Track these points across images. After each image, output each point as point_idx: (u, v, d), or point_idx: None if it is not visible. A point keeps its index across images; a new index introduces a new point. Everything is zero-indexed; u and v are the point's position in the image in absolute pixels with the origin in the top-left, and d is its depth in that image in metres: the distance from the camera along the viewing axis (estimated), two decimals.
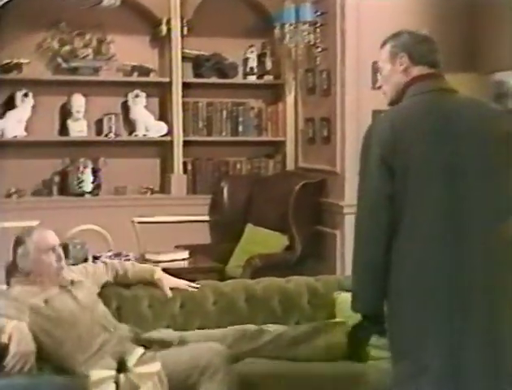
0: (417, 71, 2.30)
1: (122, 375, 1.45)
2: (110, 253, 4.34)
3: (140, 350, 1.62)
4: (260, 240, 4.88)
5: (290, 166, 5.43)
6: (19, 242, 2.98)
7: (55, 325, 2.78)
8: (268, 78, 5.47)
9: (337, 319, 3.29)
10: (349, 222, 4.61)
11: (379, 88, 2.42)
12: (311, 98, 5.14)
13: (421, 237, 2.17)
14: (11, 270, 3.00)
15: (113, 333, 2.84)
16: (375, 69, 4.60)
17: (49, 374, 2.47)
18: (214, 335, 2.97)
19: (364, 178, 2.22)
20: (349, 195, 4.62)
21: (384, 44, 2.38)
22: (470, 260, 2.16)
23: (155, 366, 1.51)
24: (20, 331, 2.60)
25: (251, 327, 3.07)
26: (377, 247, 2.17)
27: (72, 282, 2.97)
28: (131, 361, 1.52)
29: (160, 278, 3.22)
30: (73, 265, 3.34)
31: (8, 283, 3.01)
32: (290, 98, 5.39)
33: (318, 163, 5.01)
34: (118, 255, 4.31)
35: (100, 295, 3.09)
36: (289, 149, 5.43)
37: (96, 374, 1.46)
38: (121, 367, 1.47)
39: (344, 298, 3.32)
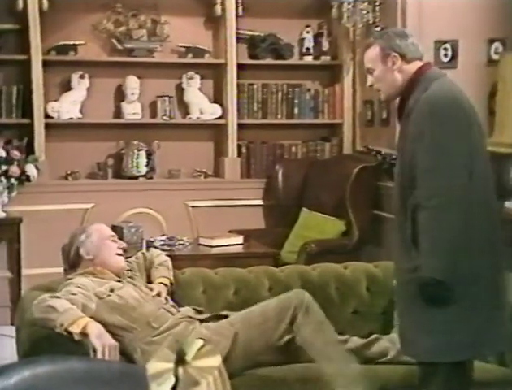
0: (412, 65, 2.49)
1: (180, 369, 1.42)
2: (163, 237, 4.33)
3: (199, 342, 1.58)
4: (315, 226, 4.84)
5: (347, 149, 5.37)
6: (79, 232, 3.01)
7: (122, 312, 2.79)
8: (325, 59, 5.39)
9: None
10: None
11: (371, 86, 2.59)
12: None
13: (478, 202, 2.41)
14: (72, 265, 2.99)
15: (178, 316, 2.85)
16: (438, 47, 4.53)
17: (107, 361, 2.46)
18: None
19: (445, 151, 2.35)
20: None
21: (370, 45, 2.55)
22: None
23: (216, 360, 1.47)
24: (96, 325, 2.60)
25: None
26: (463, 213, 2.35)
27: (130, 276, 3.01)
28: (190, 353, 1.48)
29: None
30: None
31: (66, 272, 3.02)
32: (348, 79, 5.32)
33: (377, 146, 4.91)
34: (171, 239, 4.29)
35: None
36: (346, 131, 5.36)
37: (154, 366, 1.43)
38: (180, 360, 1.44)
39: None
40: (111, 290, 2.84)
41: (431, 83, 2.44)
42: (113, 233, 3.09)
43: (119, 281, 2.93)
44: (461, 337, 2.37)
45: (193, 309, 2.96)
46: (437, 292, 2.37)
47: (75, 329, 2.55)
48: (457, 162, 2.35)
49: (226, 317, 2.88)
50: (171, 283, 3.09)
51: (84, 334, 2.56)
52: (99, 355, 2.51)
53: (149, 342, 2.76)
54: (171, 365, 1.54)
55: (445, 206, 2.32)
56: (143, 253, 3.26)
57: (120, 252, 3.01)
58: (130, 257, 3.26)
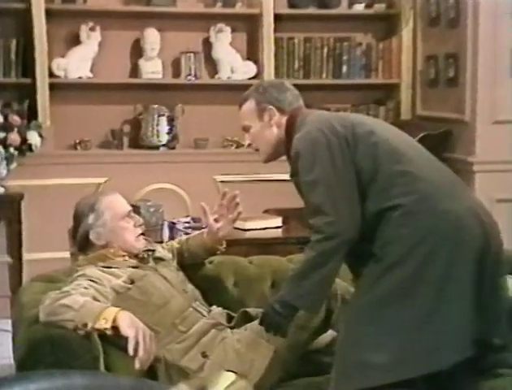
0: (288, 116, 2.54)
1: None
2: (187, 219, 4.13)
3: (230, 377, 1.35)
4: None
5: (406, 114, 5.31)
6: (86, 211, 2.74)
7: (144, 310, 2.54)
8: (379, 7, 5.28)
9: None
10: (480, 181, 4.57)
11: (250, 145, 2.61)
12: (434, 31, 4.99)
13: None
14: (81, 249, 2.78)
15: (208, 320, 2.66)
16: None
17: (113, 375, 2.24)
18: None
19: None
20: (481, 149, 4.60)
21: (244, 100, 2.58)
22: None
23: None
24: (126, 314, 2.36)
25: None
26: None
27: (157, 259, 2.78)
28: None
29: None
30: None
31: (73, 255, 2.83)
32: (407, 31, 5.24)
33: (442, 110, 4.87)
34: (197, 221, 4.10)
35: None
36: (405, 93, 5.32)
37: None
38: None
39: None
40: (131, 281, 2.61)
41: (300, 127, 2.46)
42: (129, 207, 2.82)
43: (139, 266, 2.69)
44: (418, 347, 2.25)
45: (227, 314, 2.76)
46: None
47: (106, 324, 2.32)
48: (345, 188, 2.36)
49: (252, 319, 2.68)
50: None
51: (116, 328, 2.32)
52: (130, 348, 2.29)
53: (173, 349, 2.57)
54: None
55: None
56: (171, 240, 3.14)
57: (139, 232, 2.77)
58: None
